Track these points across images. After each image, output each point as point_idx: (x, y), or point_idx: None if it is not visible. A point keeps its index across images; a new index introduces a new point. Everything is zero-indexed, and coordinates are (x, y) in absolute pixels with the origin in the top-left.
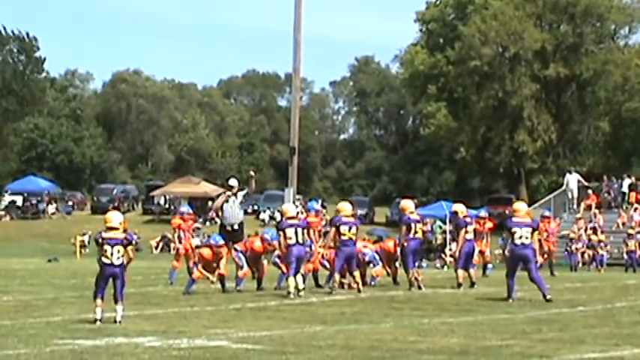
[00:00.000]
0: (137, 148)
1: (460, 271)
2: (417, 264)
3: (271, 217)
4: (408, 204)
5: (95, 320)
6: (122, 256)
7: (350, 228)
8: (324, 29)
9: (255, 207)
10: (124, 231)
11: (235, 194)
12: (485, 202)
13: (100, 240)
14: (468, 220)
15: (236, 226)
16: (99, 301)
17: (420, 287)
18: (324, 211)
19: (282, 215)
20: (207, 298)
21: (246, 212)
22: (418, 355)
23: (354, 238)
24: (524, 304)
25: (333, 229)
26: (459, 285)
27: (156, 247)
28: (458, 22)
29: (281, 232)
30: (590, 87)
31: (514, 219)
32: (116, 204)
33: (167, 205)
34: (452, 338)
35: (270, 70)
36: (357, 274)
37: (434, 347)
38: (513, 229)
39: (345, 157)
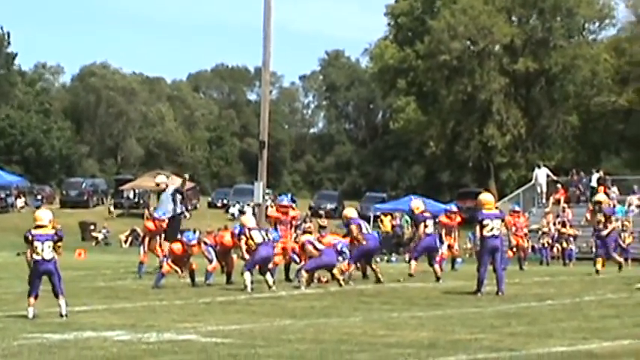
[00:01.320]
0: (106, 142)
1: (413, 262)
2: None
3: (240, 212)
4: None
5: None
6: (52, 251)
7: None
8: (294, 23)
9: (225, 201)
10: (54, 228)
11: (164, 190)
12: (455, 196)
13: (30, 237)
14: (426, 214)
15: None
16: (32, 299)
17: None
18: (293, 205)
19: (241, 226)
20: (176, 292)
21: (215, 206)
22: (387, 349)
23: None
24: (493, 298)
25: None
26: (410, 275)
27: (125, 241)
28: (427, 17)
29: (243, 236)
30: (559, 81)
31: (484, 211)
32: (85, 198)
33: (136, 199)
34: (421, 332)
35: (240, 64)
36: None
37: (403, 341)
38: (485, 221)
39: (315, 151)
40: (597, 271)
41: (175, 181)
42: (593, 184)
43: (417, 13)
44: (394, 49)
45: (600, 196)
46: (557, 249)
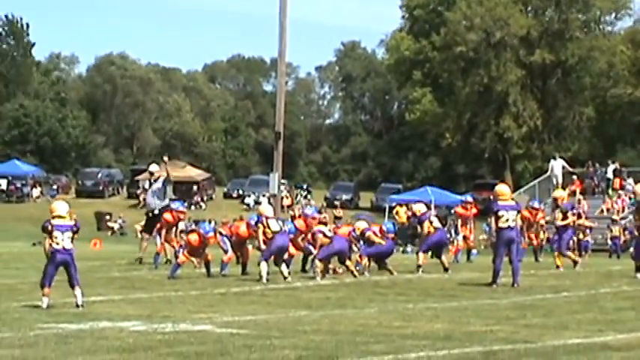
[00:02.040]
0: (122, 132)
1: (421, 254)
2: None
3: (256, 202)
4: (502, 189)
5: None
6: (71, 242)
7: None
8: (310, 14)
9: (240, 192)
10: (72, 219)
11: (156, 180)
12: (471, 187)
13: (50, 227)
14: (429, 213)
15: (156, 212)
16: (46, 289)
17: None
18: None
19: (259, 215)
20: (191, 283)
21: (230, 197)
22: (402, 340)
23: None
24: (509, 289)
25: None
26: (418, 266)
27: (141, 232)
28: (442, 9)
29: (260, 225)
30: (576, 73)
31: (500, 202)
32: (101, 188)
33: None
34: (436, 323)
35: (256, 55)
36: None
37: (418, 332)
38: (500, 212)
39: (331, 142)
40: (557, 267)
41: (191, 172)
42: (609, 175)
43: (432, 5)
44: (410, 40)
45: (558, 192)
46: (573, 241)
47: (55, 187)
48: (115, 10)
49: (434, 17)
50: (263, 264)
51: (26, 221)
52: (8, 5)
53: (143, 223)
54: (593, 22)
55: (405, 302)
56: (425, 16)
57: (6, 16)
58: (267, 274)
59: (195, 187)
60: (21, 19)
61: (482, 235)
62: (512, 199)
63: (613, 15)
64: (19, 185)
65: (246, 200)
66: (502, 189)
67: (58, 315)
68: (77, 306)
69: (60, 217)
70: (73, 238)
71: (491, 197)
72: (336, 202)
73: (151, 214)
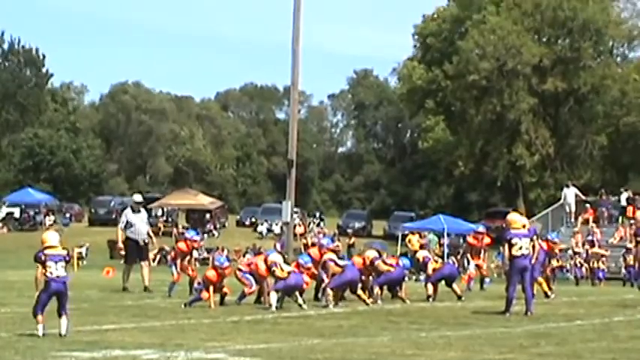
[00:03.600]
0: (135, 160)
1: (430, 285)
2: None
3: (269, 230)
4: (514, 217)
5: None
6: (65, 271)
7: None
8: (323, 42)
9: (253, 219)
10: (64, 249)
11: (140, 210)
12: (483, 215)
13: (43, 257)
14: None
15: (147, 240)
16: (40, 317)
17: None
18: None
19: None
20: (204, 311)
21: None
22: None
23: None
24: (522, 318)
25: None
26: (429, 297)
27: (153, 260)
28: (455, 37)
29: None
30: (588, 101)
31: (512, 231)
32: (114, 216)
33: (165, 218)
34: (449, 352)
35: (269, 83)
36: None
37: None
38: (513, 240)
39: (344, 170)
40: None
41: (203, 200)
42: (623, 203)
43: (445, 33)
44: (422, 69)
45: (510, 216)
46: (587, 269)
47: (67, 215)
48: (129, 38)
49: (446, 46)
50: (273, 294)
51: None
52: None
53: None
54: (605, 51)
55: (418, 330)
56: (437, 45)
57: (23, 47)
58: (277, 301)
59: (207, 215)
60: (37, 49)
61: (495, 262)
62: (524, 226)
63: (625, 44)
64: (32, 213)
65: (259, 228)
66: (514, 217)
67: (71, 343)
68: (60, 335)
69: (52, 247)
70: (65, 268)
71: (504, 225)
72: (349, 230)
73: (142, 243)
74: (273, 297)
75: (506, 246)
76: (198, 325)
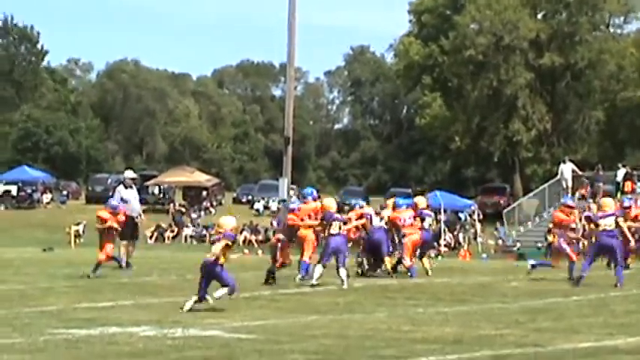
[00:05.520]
0: (132, 138)
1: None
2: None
3: (265, 207)
4: (607, 201)
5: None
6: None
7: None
8: (319, 19)
9: (250, 197)
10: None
11: (132, 186)
12: (479, 191)
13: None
14: (426, 211)
15: (138, 217)
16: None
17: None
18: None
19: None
20: None
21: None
22: (412, 345)
23: None
24: (519, 294)
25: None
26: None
27: (150, 237)
28: (450, 13)
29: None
30: (585, 76)
31: (599, 213)
32: (111, 193)
33: (161, 195)
34: (446, 328)
35: (265, 60)
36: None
37: (428, 337)
38: (601, 221)
39: (340, 146)
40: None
41: (199, 177)
42: (619, 179)
43: (441, 9)
44: (418, 45)
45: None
46: (584, 245)
47: (65, 192)
48: (125, 16)
49: (442, 22)
50: (319, 267)
51: (37, 227)
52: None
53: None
54: (602, 25)
55: (415, 306)
56: (433, 21)
57: (15, 25)
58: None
59: (204, 193)
60: (32, 26)
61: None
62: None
63: (622, 18)
64: (29, 191)
65: (256, 205)
66: (605, 201)
67: (68, 320)
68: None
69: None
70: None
71: (501, 202)
72: (346, 207)
73: (137, 218)
74: (319, 270)
75: (593, 225)
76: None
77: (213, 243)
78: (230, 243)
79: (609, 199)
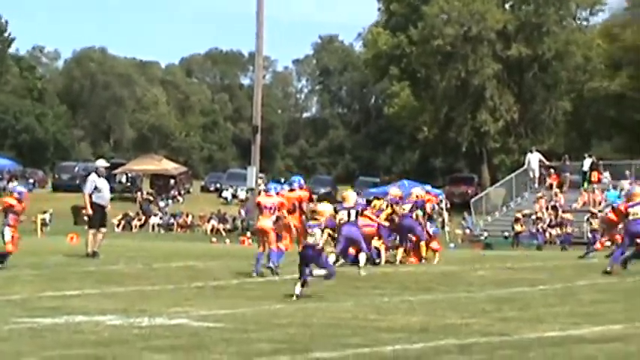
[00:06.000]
0: (100, 126)
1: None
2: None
3: (234, 196)
4: (395, 190)
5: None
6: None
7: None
8: (288, 7)
9: (218, 185)
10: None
11: (104, 175)
12: (447, 181)
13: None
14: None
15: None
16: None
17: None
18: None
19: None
20: (168, 277)
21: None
22: (378, 333)
23: None
24: (485, 283)
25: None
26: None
27: (117, 225)
28: (420, 3)
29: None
30: (552, 67)
31: (631, 202)
32: (77, 182)
33: (129, 183)
34: (412, 317)
35: (234, 49)
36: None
37: (394, 325)
38: (631, 210)
39: (308, 135)
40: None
41: (167, 165)
42: (585, 169)
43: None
44: (387, 35)
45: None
46: (550, 234)
47: (31, 180)
48: (94, 4)
49: (411, 11)
50: (333, 256)
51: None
52: None
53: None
54: (569, 16)
55: (381, 295)
56: (402, 11)
57: None
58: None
59: (172, 181)
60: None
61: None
62: None
63: (589, 9)
64: None
65: (224, 194)
66: (637, 190)
67: (33, 309)
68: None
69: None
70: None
71: (469, 192)
72: (314, 196)
73: (101, 209)
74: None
75: (624, 215)
76: (162, 291)
77: (309, 228)
78: (330, 231)
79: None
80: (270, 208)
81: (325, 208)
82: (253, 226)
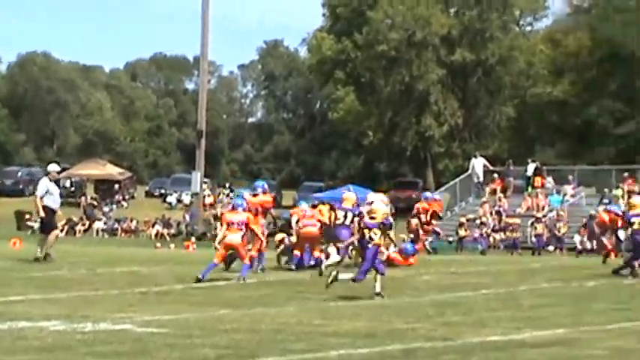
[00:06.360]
0: (44, 131)
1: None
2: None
3: (178, 200)
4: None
5: None
6: None
7: None
8: (233, 12)
9: (162, 190)
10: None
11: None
12: (392, 185)
13: None
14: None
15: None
16: None
17: None
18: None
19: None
20: (112, 283)
21: (152, 195)
22: (323, 338)
23: None
24: (429, 287)
25: None
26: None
27: (61, 230)
28: (365, 8)
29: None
30: (496, 72)
31: (631, 212)
32: (21, 187)
33: (73, 188)
34: (357, 322)
35: (179, 53)
36: None
37: (339, 330)
38: (632, 220)
39: (253, 140)
40: None
41: (111, 170)
42: (529, 173)
43: (354, 3)
44: (331, 40)
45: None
46: (494, 238)
47: None
48: (36, 6)
49: (356, 16)
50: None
51: None
52: None
53: (64, 222)
54: (512, 22)
55: (327, 301)
56: (347, 15)
57: None
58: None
59: (116, 186)
60: None
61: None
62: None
63: (532, 15)
64: None
65: (168, 199)
66: (635, 201)
67: None
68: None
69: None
70: None
71: (414, 196)
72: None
73: (53, 213)
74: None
75: (628, 225)
76: (105, 297)
77: (365, 228)
78: (389, 230)
79: (639, 198)
80: (239, 223)
81: (380, 206)
82: (219, 239)
